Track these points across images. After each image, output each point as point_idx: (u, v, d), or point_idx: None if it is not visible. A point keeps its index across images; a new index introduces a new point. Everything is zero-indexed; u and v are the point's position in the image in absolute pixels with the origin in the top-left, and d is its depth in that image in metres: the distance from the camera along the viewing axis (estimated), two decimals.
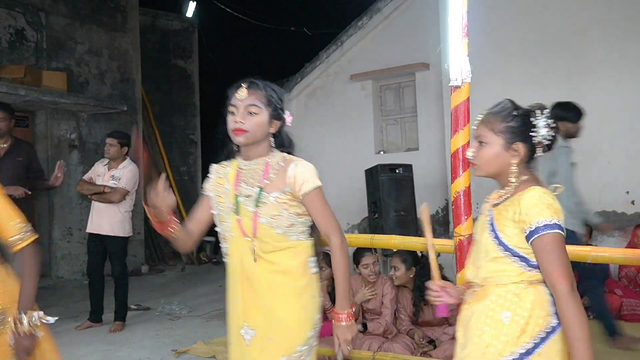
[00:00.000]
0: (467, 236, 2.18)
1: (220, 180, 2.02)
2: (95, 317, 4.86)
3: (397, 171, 5.59)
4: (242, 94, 1.93)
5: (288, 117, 2.02)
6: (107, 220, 4.76)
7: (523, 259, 1.60)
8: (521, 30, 5.49)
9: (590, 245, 4.75)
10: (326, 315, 4.22)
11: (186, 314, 5.45)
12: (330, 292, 4.12)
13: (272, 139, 2.00)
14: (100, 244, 4.82)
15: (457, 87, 2.15)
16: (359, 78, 7.25)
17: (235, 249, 1.94)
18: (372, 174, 5.54)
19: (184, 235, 2.01)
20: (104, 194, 4.75)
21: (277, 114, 1.96)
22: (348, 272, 1.94)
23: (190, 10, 11.38)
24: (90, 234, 4.88)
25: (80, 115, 7.64)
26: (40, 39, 7.27)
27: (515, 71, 5.49)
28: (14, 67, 6.68)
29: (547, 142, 1.67)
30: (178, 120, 10.43)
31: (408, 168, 5.63)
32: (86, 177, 4.99)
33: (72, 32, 7.64)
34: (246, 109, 1.90)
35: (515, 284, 1.61)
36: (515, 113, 1.69)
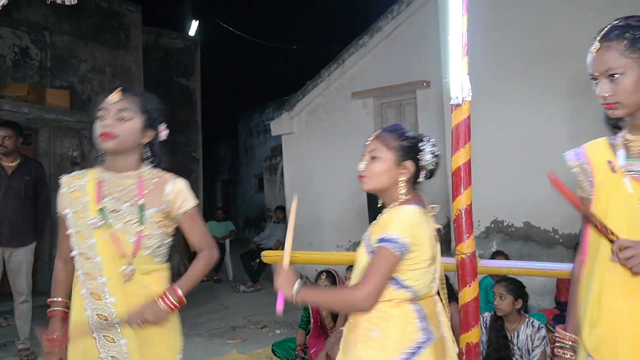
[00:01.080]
0: (469, 254, 2.18)
1: (76, 193, 1.82)
2: None
3: None
4: (114, 98, 1.82)
5: (163, 131, 1.92)
6: None
7: (392, 278, 1.65)
8: (521, 48, 5.53)
9: None
10: (324, 332, 4.19)
11: (187, 332, 5.39)
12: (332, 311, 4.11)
13: (145, 151, 1.87)
14: None
15: (458, 105, 2.16)
16: (360, 96, 7.29)
17: (102, 269, 1.75)
18: None
19: (67, 280, 1.85)
20: None
21: (150, 123, 1.86)
22: (201, 275, 1.92)
23: (193, 28, 11.51)
24: None
25: (83, 133, 7.67)
26: (44, 58, 7.34)
27: (516, 89, 5.52)
28: (17, 85, 6.74)
29: (430, 168, 1.81)
30: (180, 138, 10.48)
31: None
32: None
33: (76, 51, 7.72)
34: (117, 114, 1.79)
35: (384, 302, 1.65)
36: (408, 135, 1.81)
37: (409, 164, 1.76)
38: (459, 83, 2.12)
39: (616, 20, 1.47)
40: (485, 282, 4.62)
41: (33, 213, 4.59)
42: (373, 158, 1.77)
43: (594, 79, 1.49)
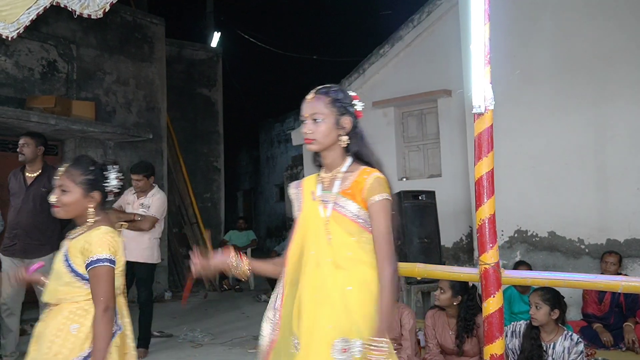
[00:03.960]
0: (492, 265, 2.15)
1: None
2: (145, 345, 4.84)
3: (420, 198, 5.54)
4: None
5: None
6: (136, 247, 4.75)
7: (88, 282, 2.06)
8: (544, 57, 5.47)
9: (621, 274, 4.62)
10: None
11: (209, 341, 5.43)
12: None
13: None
14: (128, 270, 4.84)
15: (480, 114, 2.14)
16: (381, 105, 7.28)
17: None
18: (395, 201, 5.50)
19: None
20: (134, 222, 4.78)
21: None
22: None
23: (215, 40, 11.64)
24: None
25: (107, 143, 7.81)
26: (70, 70, 7.50)
27: (539, 98, 5.46)
28: (45, 97, 6.89)
29: (117, 191, 2.20)
30: (202, 148, 10.58)
31: (431, 195, 5.58)
32: (116, 205, 5.04)
33: (101, 63, 7.87)
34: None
35: (85, 301, 2.07)
36: (92, 167, 2.16)
37: (96, 194, 2.14)
38: (481, 92, 2.11)
39: (326, 85, 1.98)
40: (508, 293, 4.55)
41: (49, 224, 4.41)
42: (63, 191, 2.13)
43: (304, 120, 1.91)
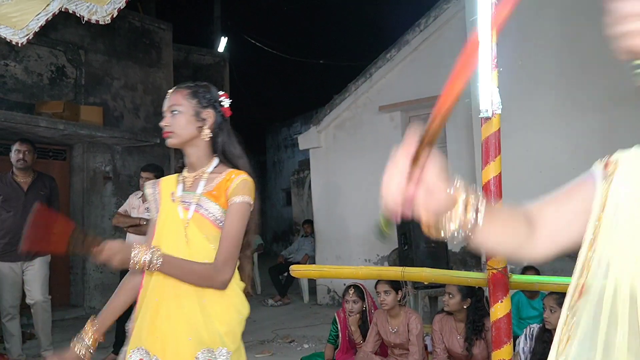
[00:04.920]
0: (500, 269, 2.14)
1: None
2: (120, 349, 4.87)
3: None
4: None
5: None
6: None
7: None
8: (551, 61, 5.45)
9: None
10: (353, 347, 4.16)
11: None
12: (361, 326, 4.07)
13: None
14: None
15: (488, 118, 2.14)
16: (388, 109, 7.29)
17: None
18: None
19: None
20: (139, 227, 4.80)
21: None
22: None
23: (222, 45, 11.70)
24: None
25: (115, 148, 7.85)
26: (79, 76, 7.56)
27: (546, 102, 5.44)
28: (54, 102, 6.95)
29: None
30: None
31: None
32: (121, 210, 5.07)
33: (109, 69, 7.93)
34: None
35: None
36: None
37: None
38: (488, 96, 2.11)
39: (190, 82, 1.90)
40: (516, 299, 4.53)
41: None
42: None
43: (164, 114, 1.81)
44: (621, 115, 5.12)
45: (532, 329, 3.42)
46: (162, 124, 1.79)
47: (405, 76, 7.24)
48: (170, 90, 1.86)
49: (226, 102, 1.88)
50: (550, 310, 3.28)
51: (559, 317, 2.98)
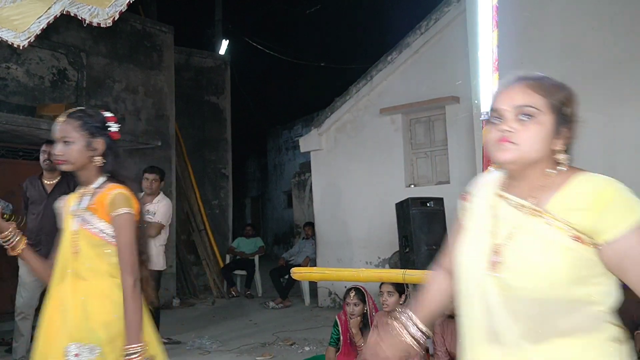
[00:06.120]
0: None
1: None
2: None
3: (428, 205, 5.53)
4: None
5: None
6: None
7: None
8: (553, 63, 5.45)
9: None
10: (354, 349, 4.15)
11: (217, 348, 5.43)
12: (362, 328, 4.07)
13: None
14: None
15: (489, 120, 2.13)
16: (389, 112, 7.28)
17: None
18: (403, 208, 5.50)
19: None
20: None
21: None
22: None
23: (223, 48, 11.71)
24: None
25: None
26: (80, 78, 7.57)
27: None
28: (55, 105, 6.95)
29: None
30: (210, 155, 10.62)
31: (439, 201, 5.57)
32: None
33: (111, 71, 7.94)
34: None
35: None
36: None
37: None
38: (489, 98, 2.10)
39: (80, 108, 2.11)
40: None
41: None
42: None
43: (57, 140, 2.00)
44: (622, 117, 5.12)
45: None
46: (55, 152, 1.99)
47: (406, 79, 7.24)
48: (60, 119, 2.03)
49: (114, 127, 2.06)
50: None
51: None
